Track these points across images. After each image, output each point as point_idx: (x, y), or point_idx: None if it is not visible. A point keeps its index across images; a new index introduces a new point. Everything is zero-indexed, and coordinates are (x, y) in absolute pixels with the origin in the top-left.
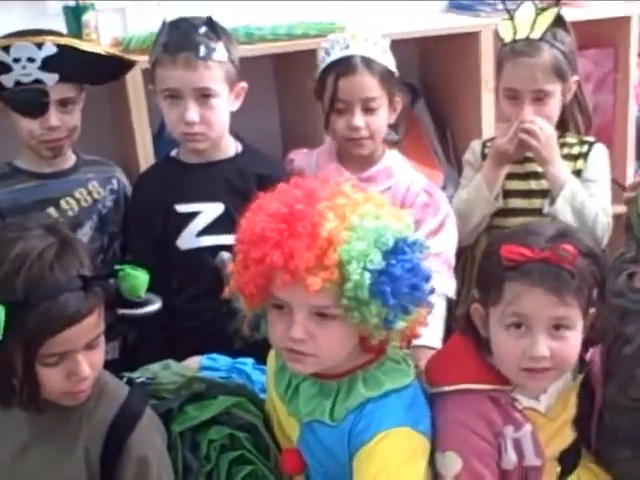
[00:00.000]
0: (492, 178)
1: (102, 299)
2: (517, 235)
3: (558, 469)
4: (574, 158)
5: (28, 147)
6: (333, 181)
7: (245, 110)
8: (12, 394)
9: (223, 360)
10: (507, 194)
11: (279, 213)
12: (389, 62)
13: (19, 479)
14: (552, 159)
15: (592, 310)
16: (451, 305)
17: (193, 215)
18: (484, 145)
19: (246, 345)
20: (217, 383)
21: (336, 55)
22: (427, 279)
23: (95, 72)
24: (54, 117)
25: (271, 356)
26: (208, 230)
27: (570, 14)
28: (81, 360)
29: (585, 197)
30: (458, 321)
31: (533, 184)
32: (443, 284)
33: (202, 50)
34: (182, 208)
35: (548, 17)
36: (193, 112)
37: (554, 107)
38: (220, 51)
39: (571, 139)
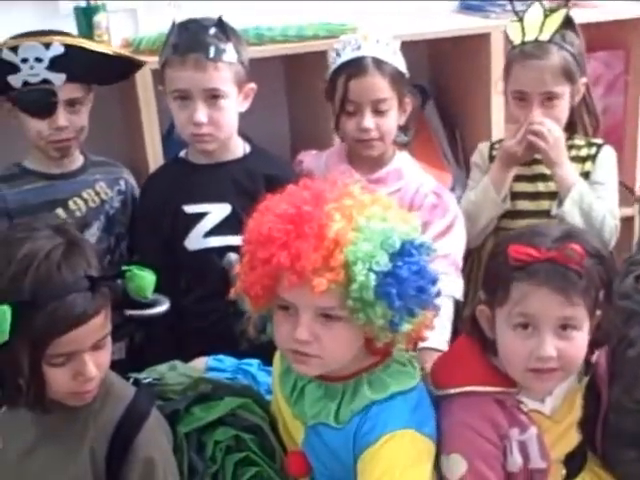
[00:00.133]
0: (500, 180)
1: (109, 300)
2: (523, 236)
3: (564, 472)
4: (582, 160)
5: (36, 147)
6: (341, 183)
7: (255, 111)
8: (18, 394)
9: (229, 361)
10: (515, 196)
11: (286, 214)
12: (400, 63)
13: (25, 479)
14: (560, 161)
15: (598, 311)
16: (458, 307)
17: (201, 216)
18: (492, 147)
19: (252, 346)
20: (223, 384)
21: (347, 56)
22: (434, 282)
23: (103, 72)
24: (62, 117)
25: (277, 358)
26: (216, 231)
27: (581, 15)
28: (88, 360)
29: (593, 199)
30: (464, 323)
31: (541, 186)
32: (450, 286)
33: (212, 51)
34: (190, 209)
35: (557, 19)
36: (202, 113)
37: (563, 109)
38: (230, 52)
39: (579, 141)
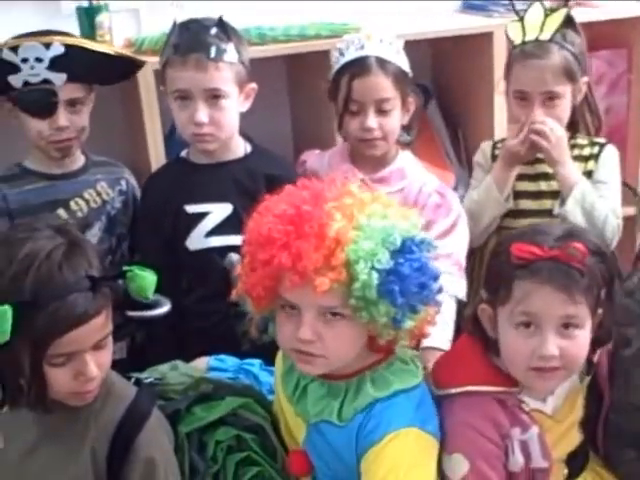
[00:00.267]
0: (503, 179)
1: (110, 300)
2: (525, 235)
3: (565, 471)
4: (585, 159)
5: (37, 148)
6: (340, 182)
7: (257, 111)
8: (20, 394)
9: (231, 361)
10: (517, 195)
11: (286, 214)
12: (403, 63)
13: (26, 479)
14: (562, 160)
15: (600, 310)
16: (461, 306)
17: (202, 215)
18: (494, 146)
19: (254, 347)
20: (225, 384)
21: (351, 55)
22: (435, 278)
23: (104, 72)
24: (63, 117)
25: (279, 358)
26: (217, 231)
27: (583, 14)
28: (89, 360)
29: (595, 198)
30: (465, 322)
31: (543, 185)
32: (454, 285)
33: (213, 51)
34: (191, 208)
35: (557, 18)
36: (203, 113)
37: (564, 108)
38: (231, 52)
39: (582, 140)
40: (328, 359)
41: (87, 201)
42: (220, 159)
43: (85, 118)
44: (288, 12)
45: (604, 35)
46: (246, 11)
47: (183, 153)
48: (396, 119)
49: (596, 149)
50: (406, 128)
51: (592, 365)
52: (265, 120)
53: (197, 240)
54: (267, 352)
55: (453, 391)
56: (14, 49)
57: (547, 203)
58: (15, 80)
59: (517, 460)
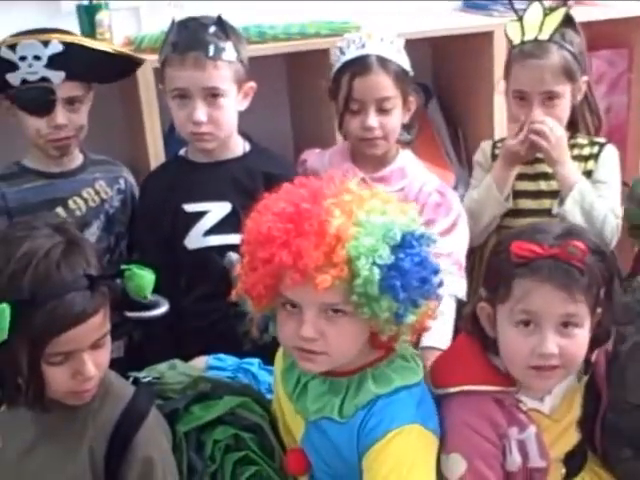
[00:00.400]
0: (502, 179)
1: (108, 299)
2: (525, 233)
3: (563, 471)
4: (585, 159)
5: (35, 146)
6: (338, 179)
7: (257, 110)
8: (18, 393)
9: (230, 360)
10: (517, 195)
11: (285, 212)
12: (404, 62)
13: (24, 478)
14: (562, 160)
15: (599, 309)
16: (461, 306)
17: (201, 214)
18: (494, 146)
19: (253, 346)
20: (223, 383)
21: (351, 54)
22: (436, 272)
23: (103, 70)
24: (61, 115)
25: (279, 355)
26: (215, 229)
27: (584, 14)
28: (87, 359)
29: (594, 198)
30: (464, 321)
31: (543, 185)
32: (453, 285)
33: (211, 50)
34: (190, 207)
35: (556, 18)
36: (201, 112)
37: (564, 108)
38: (229, 51)
39: (582, 140)
40: (330, 356)
41: (85, 200)
42: (219, 158)
43: (83, 116)
44: (288, 10)
45: (604, 34)
46: (246, 9)
47: (181, 152)
48: (397, 118)
49: (596, 149)
50: (406, 127)
51: (590, 364)
52: (265, 119)
53: (196, 239)
54: (266, 351)
55: (451, 390)
56: (12, 47)
57: (546, 203)
58: (13, 78)
59: (515, 460)
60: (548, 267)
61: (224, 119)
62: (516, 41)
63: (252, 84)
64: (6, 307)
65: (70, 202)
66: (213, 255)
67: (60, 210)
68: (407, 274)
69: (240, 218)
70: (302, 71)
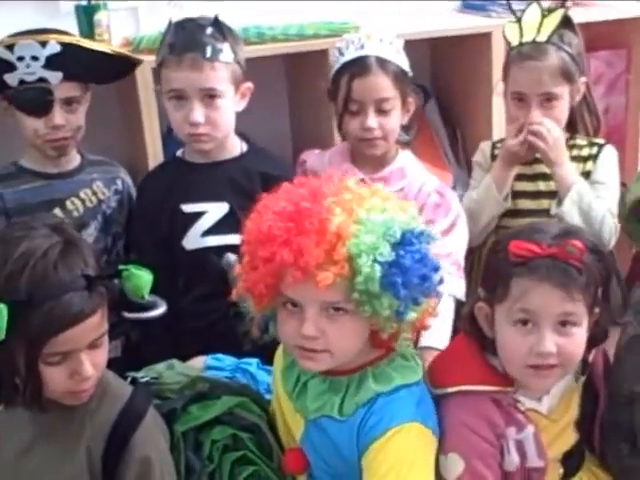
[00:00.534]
0: (502, 179)
1: (106, 299)
2: (522, 233)
3: (561, 471)
4: (584, 160)
5: (33, 146)
6: (337, 178)
7: (256, 110)
8: (15, 393)
9: (228, 360)
10: (516, 195)
11: (285, 211)
12: (403, 62)
13: (22, 478)
14: (560, 161)
15: (597, 309)
16: (460, 306)
17: (198, 215)
18: (494, 146)
19: (254, 346)
20: (221, 383)
21: (351, 55)
22: (436, 269)
23: (100, 71)
24: (59, 116)
25: (278, 354)
26: (213, 230)
27: (582, 15)
28: (84, 359)
29: (592, 199)
30: (462, 321)
31: (541, 185)
32: (452, 285)
33: (208, 51)
34: (188, 208)
35: (555, 19)
36: (198, 113)
37: (562, 109)
38: (226, 52)
39: (581, 141)
40: (332, 354)
41: (83, 200)
42: (216, 158)
43: (81, 117)
44: (287, 11)
45: (603, 35)
46: (245, 10)
47: (179, 152)
48: (396, 119)
49: (595, 149)
50: (405, 128)
51: (587, 365)
52: (264, 119)
53: (193, 239)
54: (265, 351)
55: (449, 390)
56: (10, 47)
57: (545, 203)
58: (11, 78)
59: (513, 460)
60: (546, 266)
61: (221, 120)
62: (514, 43)
63: (249, 85)
64: (3, 307)
65: (68, 203)
66: (211, 255)
67: (58, 211)
68: (408, 271)
69: (238, 218)
70: (301, 72)
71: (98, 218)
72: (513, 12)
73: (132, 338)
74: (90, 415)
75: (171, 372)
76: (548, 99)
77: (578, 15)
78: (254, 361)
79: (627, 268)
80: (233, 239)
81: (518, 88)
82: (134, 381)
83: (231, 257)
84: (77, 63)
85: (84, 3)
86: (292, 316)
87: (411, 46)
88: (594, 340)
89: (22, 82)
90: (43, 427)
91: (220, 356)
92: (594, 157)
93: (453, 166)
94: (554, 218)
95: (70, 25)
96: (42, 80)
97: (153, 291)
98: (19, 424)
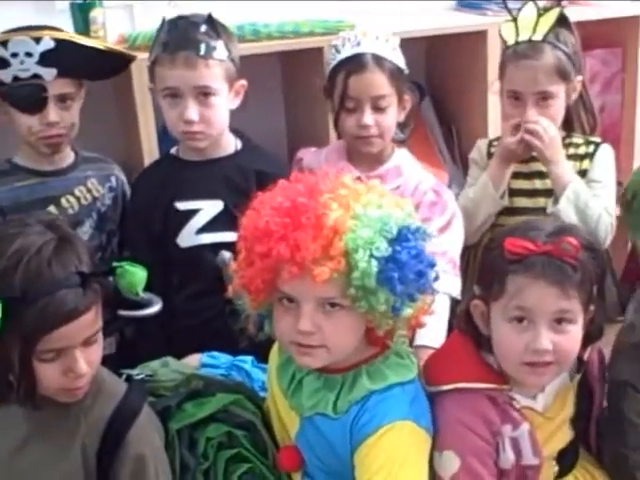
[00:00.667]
0: (498, 177)
1: (100, 296)
2: (518, 230)
3: (556, 468)
4: (580, 158)
5: (27, 143)
6: (333, 174)
7: (251, 108)
8: (9, 390)
9: (223, 358)
10: (512, 193)
11: (282, 207)
12: (399, 60)
13: (16, 476)
14: (556, 159)
15: (592, 306)
16: (455, 305)
17: (193, 213)
18: (490, 144)
19: (249, 344)
20: (216, 381)
21: (347, 52)
22: (432, 265)
23: (94, 67)
24: (53, 112)
25: (274, 351)
26: (208, 227)
27: (578, 13)
28: (78, 356)
29: (589, 197)
30: (457, 319)
31: (538, 183)
32: (448, 283)
33: (202, 48)
34: (182, 205)
35: (551, 18)
36: (193, 111)
37: (558, 108)
38: (220, 49)
39: (577, 139)
40: (329, 349)
41: (78, 198)
42: (210, 156)
43: (75, 114)
44: (283, 9)
45: (598, 34)
46: (241, 8)
47: (173, 150)
48: (392, 116)
49: (591, 148)
50: (401, 126)
51: (582, 363)
52: (259, 117)
53: (188, 237)
54: (260, 349)
55: (444, 388)
56: (4, 44)
57: (541, 201)
58: (5, 75)
59: (508, 457)
60: (542, 263)
61: (215, 118)
62: (510, 41)
63: (243, 82)
64: None
65: (63, 200)
66: (206, 253)
67: (53, 209)
68: (404, 267)
69: (232, 216)
70: (296, 69)
71: (93, 215)
72: (509, 11)
73: (126, 335)
74: (85, 412)
75: (166, 369)
76: (544, 98)
77: (574, 14)
78: (249, 359)
79: (622, 267)
80: (228, 236)
81: (514, 87)
82: (129, 378)
83: (226, 254)
84: (71, 59)
85: (79, 1)
86: (288, 312)
87: (406, 44)
88: (589, 338)
89: (16, 79)
90: (37, 424)
91: (215, 354)
92: (590, 155)
93: (448, 164)
94: (550, 216)
95: (66, 23)
96: (36, 76)
97: (147, 289)
98: (13, 422)
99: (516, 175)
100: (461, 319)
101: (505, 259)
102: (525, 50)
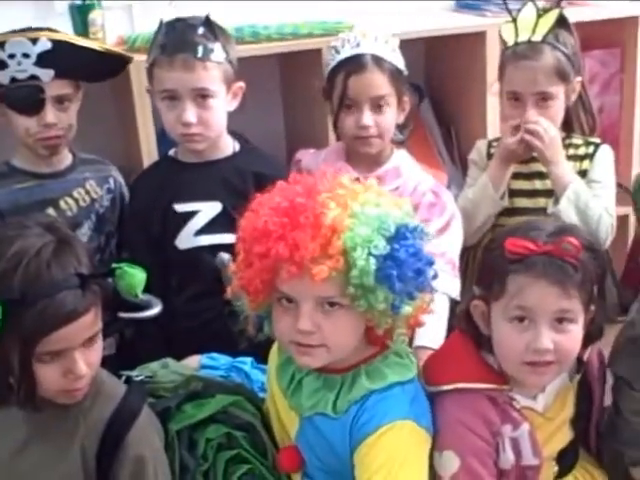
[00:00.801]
0: (498, 177)
1: (99, 298)
2: (518, 231)
3: (555, 469)
4: (580, 159)
5: (25, 145)
6: (331, 175)
7: (250, 109)
8: (9, 392)
9: (223, 359)
10: (512, 193)
11: (280, 207)
12: (399, 61)
13: (16, 477)
14: (556, 160)
15: (592, 306)
16: (454, 305)
17: (191, 214)
18: (490, 145)
19: (249, 345)
20: (215, 382)
21: (346, 53)
22: (430, 264)
23: (92, 68)
24: (50, 114)
25: (273, 351)
26: (206, 229)
27: (577, 14)
28: (78, 358)
29: (589, 198)
30: (457, 319)
31: (538, 184)
32: (447, 284)
33: (200, 51)
34: (180, 207)
35: (550, 19)
36: (191, 113)
37: (557, 109)
38: (218, 51)
39: (577, 140)
40: (329, 348)
41: (76, 200)
42: (209, 158)
43: (73, 116)
44: (282, 11)
45: (597, 35)
46: (240, 9)
47: (171, 152)
48: (391, 117)
49: (591, 149)
50: (400, 127)
51: (582, 363)
52: (258, 119)
53: (186, 239)
54: (259, 350)
55: (444, 388)
56: (1, 45)
57: (542, 201)
58: (2, 76)
59: (508, 457)
60: (542, 263)
61: (214, 120)
62: (510, 42)
63: (241, 84)
64: None
65: (61, 202)
66: (204, 255)
67: (51, 211)
68: (403, 264)
69: (231, 218)
70: (295, 71)
71: (91, 217)
72: (509, 11)
73: (126, 336)
74: (84, 414)
75: (165, 371)
76: (543, 99)
77: (572, 14)
78: (248, 360)
79: (622, 267)
80: (226, 238)
81: (513, 88)
82: (128, 380)
83: (225, 256)
84: (68, 60)
85: (78, 2)
86: (287, 312)
87: (405, 45)
88: (590, 338)
89: (13, 80)
90: (37, 426)
91: (215, 355)
92: (590, 156)
93: (447, 165)
94: (551, 217)
95: (65, 24)
96: (33, 77)
97: (146, 290)
98: (13, 423)
99: (516, 176)
100: (461, 319)
101: (506, 259)
102: (524, 51)
